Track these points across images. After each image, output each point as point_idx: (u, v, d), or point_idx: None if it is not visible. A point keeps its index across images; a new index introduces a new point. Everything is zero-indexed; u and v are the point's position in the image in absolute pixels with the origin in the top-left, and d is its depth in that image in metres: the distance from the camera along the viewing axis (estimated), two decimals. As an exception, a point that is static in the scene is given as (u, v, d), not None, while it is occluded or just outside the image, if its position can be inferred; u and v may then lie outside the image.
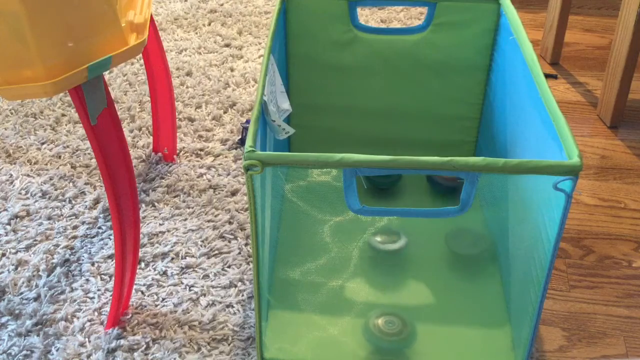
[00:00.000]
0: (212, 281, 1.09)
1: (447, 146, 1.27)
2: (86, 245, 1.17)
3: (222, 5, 1.97)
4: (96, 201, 1.26)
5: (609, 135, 1.46)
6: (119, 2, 0.86)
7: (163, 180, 1.31)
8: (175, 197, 1.27)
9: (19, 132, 1.44)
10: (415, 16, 1.90)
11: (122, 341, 1.00)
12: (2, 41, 0.74)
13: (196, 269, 1.12)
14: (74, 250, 1.15)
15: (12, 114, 1.51)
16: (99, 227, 1.20)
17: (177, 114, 1.46)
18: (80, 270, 1.12)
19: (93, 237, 1.18)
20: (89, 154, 1.38)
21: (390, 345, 0.96)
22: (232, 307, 1.05)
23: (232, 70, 1.66)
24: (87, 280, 1.10)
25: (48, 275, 1.10)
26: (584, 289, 1.10)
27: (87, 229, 1.20)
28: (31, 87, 0.75)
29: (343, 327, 0.99)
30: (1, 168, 1.34)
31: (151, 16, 1.03)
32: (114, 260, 1.07)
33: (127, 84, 1.60)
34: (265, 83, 0.90)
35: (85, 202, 1.25)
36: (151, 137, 1.41)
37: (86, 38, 0.79)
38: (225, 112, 1.50)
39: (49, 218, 1.22)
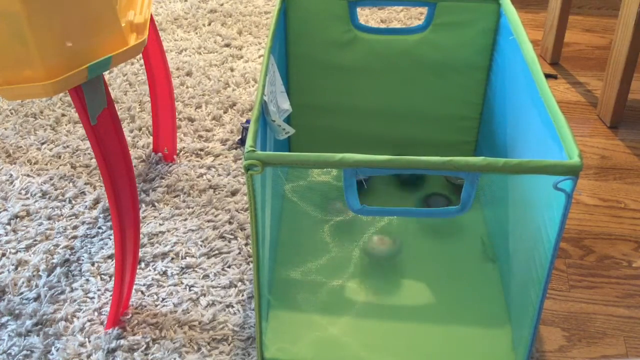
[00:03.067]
0: (212, 281, 1.09)
1: (447, 146, 1.27)
2: (86, 245, 1.16)
3: (222, 5, 1.97)
4: (96, 201, 1.26)
5: (609, 135, 1.46)
6: (119, 2, 0.86)
7: (163, 180, 1.31)
8: (175, 197, 1.27)
9: (19, 132, 1.44)
10: (415, 16, 1.90)
11: (122, 341, 1.00)
12: (2, 41, 0.74)
13: (196, 269, 1.11)
14: (74, 250, 1.15)
15: (12, 114, 1.51)
16: (99, 227, 1.20)
17: (177, 114, 1.46)
18: (80, 270, 1.12)
19: (93, 237, 1.18)
20: (89, 154, 1.37)
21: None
22: (232, 307, 1.05)
23: (232, 70, 1.66)
24: (87, 280, 1.10)
25: (48, 275, 1.10)
26: (584, 289, 1.10)
27: (87, 229, 1.20)
28: (31, 87, 0.75)
29: (343, 327, 0.99)
30: (1, 168, 1.34)
31: (151, 16, 1.03)
32: (114, 260, 1.07)
33: (127, 84, 1.60)
34: (265, 83, 0.90)
35: (85, 202, 1.25)
36: (151, 137, 1.41)
37: (86, 38, 0.79)
38: (225, 112, 1.50)
39: (49, 218, 1.22)
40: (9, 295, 1.07)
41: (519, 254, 0.96)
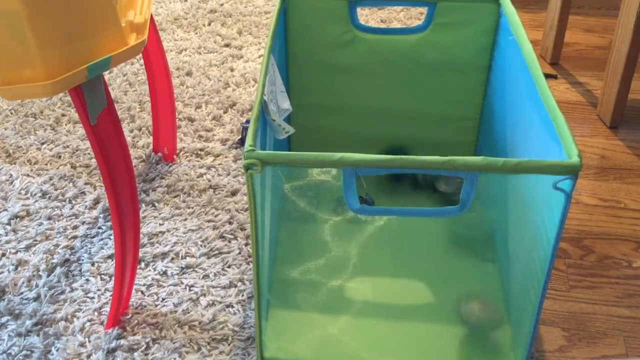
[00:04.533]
0: (212, 281, 1.09)
1: (447, 146, 1.27)
2: (86, 245, 1.17)
3: (222, 5, 1.97)
4: (96, 201, 1.26)
5: (609, 135, 1.46)
6: (119, 2, 0.86)
7: (163, 180, 1.31)
8: (175, 197, 1.27)
9: (19, 132, 1.44)
10: (415, 16, 1.90)
11: (122, 341, 1.00)
12: (2, 41, 0.74)
13: (196, 269, 1.12)
14: (74, 250, 1.15)
15: (12, 114, 1.51)
16: (99, 227, 1.20)
17: (177, 114, 1.46)
18: (80, 270, 1.12)
19: (93, 237, 1.18)
20: (89, 154, 1.38)
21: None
22: (232, 307, 1.05)
23: (232, 70, 1.66)
24: (87, 280, 1.10)
25: (48, 275, 1.10)
26: (584, 289, 1.10)
27: (87, 229, 1.20)
28: (31, 87, 0.75)
29: (343, 326, 0.99)
30: (1, 168, 1.34)
31: (151, 16, 1.03)
32: (114, 260, 1.07)
33: (127, 84, 1.60)
34: (265, 82, 0.90)
35: (85, 202, 1.25)
36: (151, 137, 1.41)
37: (86, 38, 0.79)
38: (225, 112, 1.50)
39: (49, 218, 1.22)
40: (9, 295, 1.07)
41: (518, 254, 0.96)
